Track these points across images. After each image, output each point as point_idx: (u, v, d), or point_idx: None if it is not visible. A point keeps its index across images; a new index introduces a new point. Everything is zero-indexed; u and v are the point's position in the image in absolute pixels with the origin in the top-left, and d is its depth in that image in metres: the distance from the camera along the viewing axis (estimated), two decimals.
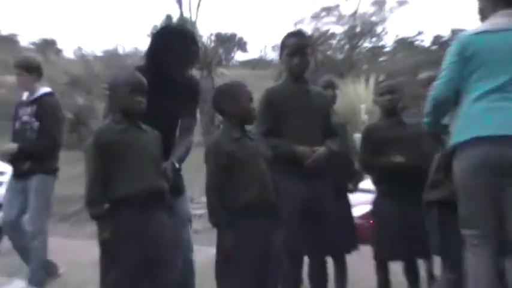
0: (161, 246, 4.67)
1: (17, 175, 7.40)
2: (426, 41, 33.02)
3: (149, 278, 4.61)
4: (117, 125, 4.64)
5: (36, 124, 7.31)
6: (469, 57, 4.90)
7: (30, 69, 7.59)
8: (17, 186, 7.40)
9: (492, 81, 4.82)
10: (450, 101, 5.12)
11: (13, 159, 7.44)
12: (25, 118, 7.39)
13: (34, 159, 7.30)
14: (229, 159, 4.87)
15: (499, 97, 4.78)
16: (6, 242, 7.86)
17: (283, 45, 5.97)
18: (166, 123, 5.22)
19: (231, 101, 5.12)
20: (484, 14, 5.09)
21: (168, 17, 38.77)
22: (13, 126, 7.61)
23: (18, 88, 7.89)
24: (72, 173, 18.96)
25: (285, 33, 6.01)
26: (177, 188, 5.15)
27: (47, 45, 43.43)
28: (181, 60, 5.44)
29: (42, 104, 7.45)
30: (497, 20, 4.95)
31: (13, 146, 7.49)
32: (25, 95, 7.58)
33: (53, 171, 7.51)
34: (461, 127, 4.92)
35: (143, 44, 38.05)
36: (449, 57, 5.05)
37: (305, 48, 6.00)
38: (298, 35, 6.39)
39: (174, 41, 5.43)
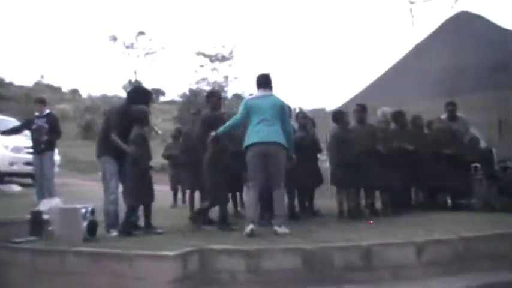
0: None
1: (37, 152, 9.66)
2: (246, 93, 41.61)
3: None
4: None
5: (47, 126, 9.59)
6: (250, 108, 6.65)
7: (41, 102, 10.01)
8: (38, 158, 9.67)
9: (261, 119, 6.52)
10: (239, 125, 6.94)
11: (35, 143, 9.71)
12: (40, 124, 9.61)
13: (46, 144, 9.58)
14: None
15: (263, 124, 6.50)
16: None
17: (213, 94, 7.91)
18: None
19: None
20: (258, 88, 6.81)
21: (130, 81, 44.35)
22: (31, 128, 9.78)
23: (35, 110, 10.03)
24: (85, 150, 21.87)
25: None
26: None
27: (74, 91, 49.85)
28: (147, 102, 7.05)
29: (50, 117, 9.82)
30: (260, 93, 6.78)
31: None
32: (36, 113, 9.79)
33: (53, 149, 9.82)
34: (249, 137, 6.56)
35: (120, 92, 43.73)
36: (241, 107, 6.85)
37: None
38: (218, 91, 8.48)
39: (144, 94, 7.19)
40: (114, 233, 6.47)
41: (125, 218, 6.54)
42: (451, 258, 5.49)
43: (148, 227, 6.59)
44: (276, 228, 6.29)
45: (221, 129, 6.87)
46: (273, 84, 6.92)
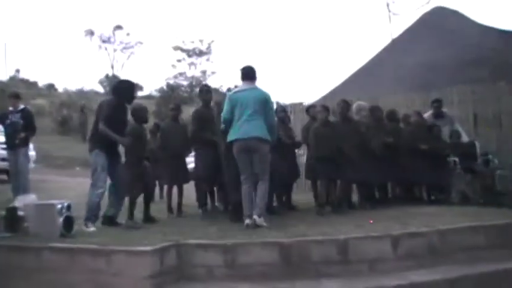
0: None
1: (11, 147, 9.45)
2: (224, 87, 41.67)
3: None
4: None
5: (21, 122, 9.38)
6: (234, 101, 6.65)
7: (15, 96, 9.80)
8: (12, 153, 9.47)
9: (243, 113, 6.52)
10: (229, 120, 6.72)
11: (9, 139, 9.48)
12: (14, 119, 9.40)
13: (21, 140, 9.28)
14: None
15: (244, 120, 6.52)
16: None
17: (204, 89, 8.12)
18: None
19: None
20: (242, 80, 6.82)
21: (107, 75, 45.04)
22: (4, 123, 9.62)
23: (9, 104, 9.77)
24: (62, 145, 21.50)
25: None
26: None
27: (50, 86, 48.98)
28: (133, 96, 7.23)
29: (25, 113, 9.60)
30: (244, 86, 6.79)
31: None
32: (10, 108, 9.59)
33: (28, 145, 9.66)
34: (231, 133, 6.64)
35: (97, 86, 44.07)
36: (226, 102, 6.82)
37: None
38: (207, 86, 8.61)
39: (131, 87, 7.17)
40: (92, 228, 6.43)
41: (129, 211, 6.81)
42: (426, 251, 5.56)
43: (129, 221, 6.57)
44: (255, 217, 6.31)
45: (223, 126, 6.92)
46: (257, 76, 6.89)
